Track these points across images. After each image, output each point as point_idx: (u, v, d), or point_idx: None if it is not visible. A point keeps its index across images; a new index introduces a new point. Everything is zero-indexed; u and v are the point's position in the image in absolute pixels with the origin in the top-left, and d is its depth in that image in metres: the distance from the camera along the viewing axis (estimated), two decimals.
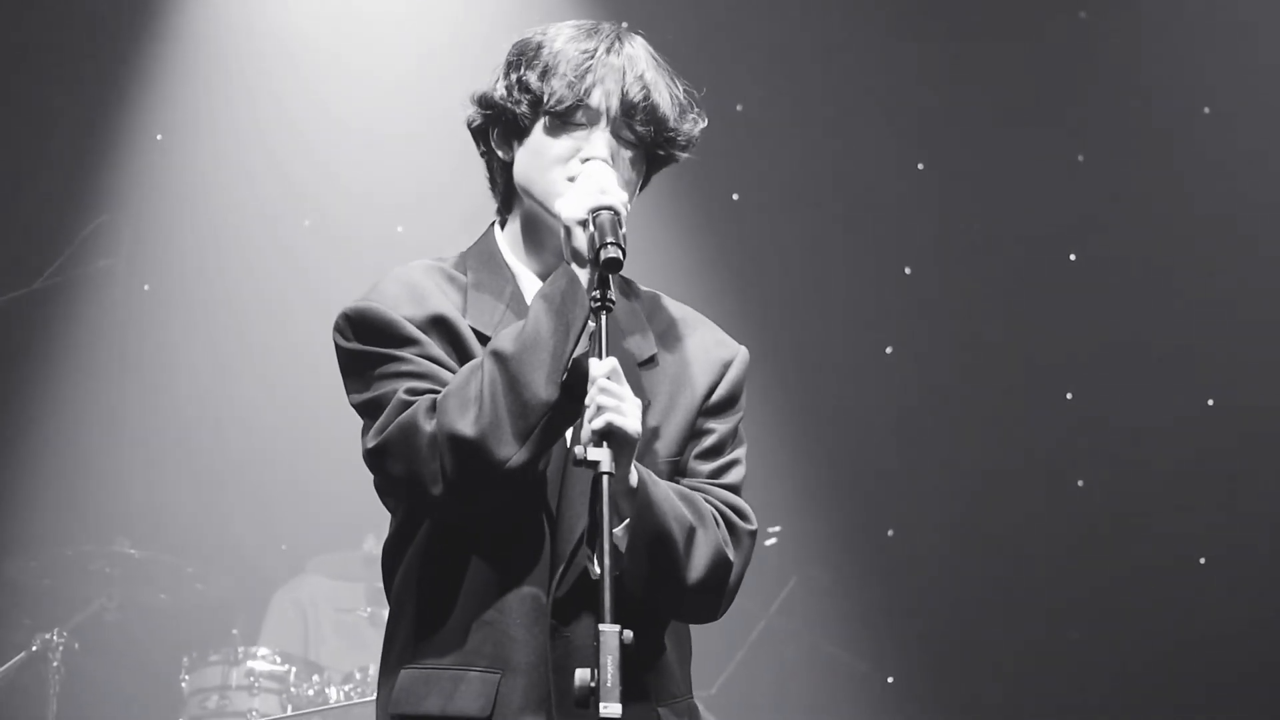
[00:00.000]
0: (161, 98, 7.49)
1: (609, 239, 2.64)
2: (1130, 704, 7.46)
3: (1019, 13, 7.79)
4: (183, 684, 6.53)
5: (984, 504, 7.64)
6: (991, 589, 7.59)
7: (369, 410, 2.76)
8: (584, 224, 2.70)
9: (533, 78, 2.85)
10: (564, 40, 2.87)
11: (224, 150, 7.55)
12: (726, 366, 2.95)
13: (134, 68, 7.45)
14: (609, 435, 2.56)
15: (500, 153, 2.92)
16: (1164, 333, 7.64)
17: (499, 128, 2.91)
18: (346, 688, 6.33)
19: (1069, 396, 7.75)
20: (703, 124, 2.94)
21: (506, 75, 2.89)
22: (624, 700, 2.42)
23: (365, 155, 7.60)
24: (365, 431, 2.76)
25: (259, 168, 7.56)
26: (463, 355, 2.78)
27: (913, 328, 7.80)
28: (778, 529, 6.93)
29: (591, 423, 2.57)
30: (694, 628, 2.94)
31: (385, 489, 2.82)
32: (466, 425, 2.63)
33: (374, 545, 6.77)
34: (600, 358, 2.61)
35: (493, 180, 2.97)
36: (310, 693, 6.40)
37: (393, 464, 2.70)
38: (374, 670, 6.31)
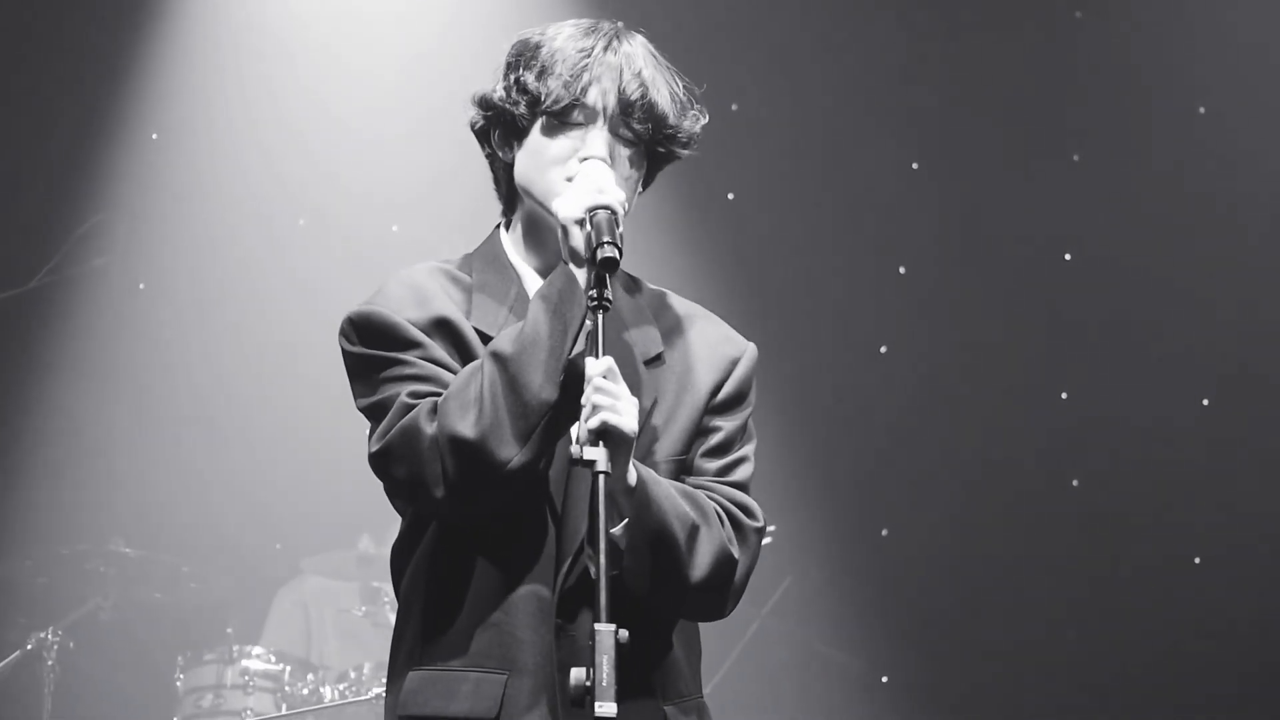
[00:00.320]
0: (157, 97, 7.48)
1: (605, 238, 2.64)
2: (1125, 703, 7.47)
3: (1015, 12, 7.80)
4: (177, 683, 6.53)
5: (979, 503, 7.65)
6: (986, 588, 7.60)
7: (374, 414, 2.77)
8: (581, 223, 2.70)
9: (530, 78, 2.85)
10: (562, 39, 2.87)
11: (219, 149, 7.54)
12: (734, 363, 2.94)
13: (129, 67, 7.44)
14: (605, 434, 2.56)
15: (501, 154, 2.92)
16: (1159, 332, 7.64)
17: (499, 129, 2.91)
18: (341, 686, 6.33)
19: (1064, 396, 7.76)
20: (703, 121, 2.94)
21: (505, 76, 2.89)
22: (627, 698, 2.42)
23: (360, 154, 7.60)
24: (371, 434, 2.77)
25: (254, 167, 7.56)
26: (467, 357, 2.78)
27: (907, 327, 7.81)
28: (773, 528, 6.92)
29: (587, 422, 2.57)
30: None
31: (391, 492, 2.82)
32: (467, 427, 2.63)
33: (369, 545, 6.77)
34: (597, 357, 2.62)
35: (496, 182, 2.97)
36: (305, 692, 6.40)
37: (396, 467, 2.70)
38: (369, 669, 6.32)
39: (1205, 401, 7.63)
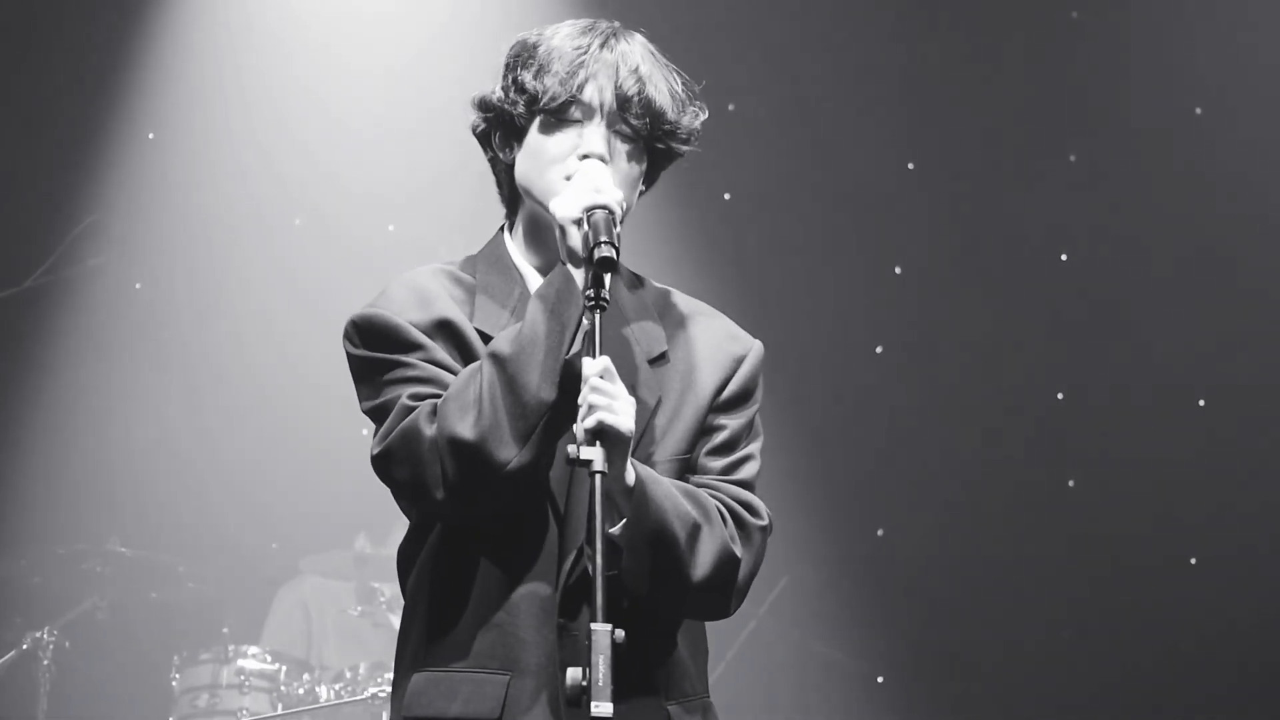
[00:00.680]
0: (153, 97, 7.48)
1: (603, 238, 2.64)
2: (1121, 704, 7.47)
3: (1011, 12, 7.80)
4: (173, 682, 6.53)
5: (974, 504, 7.65)
6: (982, 588, 7.60)
7: (377, 416, 2.77)
8: (578, 223, 2.70)
9: (528, 77, 2.85)
10: (560, 38, 2.87)
11: (215, 149, 7.54)
12: (739, 361, 2.93)
13: (126, 67, 7.45)
14: (601, 434, 2.56)
15: (502, 155, 2.92)
16: (1155, 333, 7.65)
17: (499, 131, 2.91)
18: (337, 686, 6.33)
19: (1060, 396, 7.76)
20: (703, 117, 2.93)
21: (504, 77, 2.90)
22: (630, 697, 2.42)
23: (357, 154, 7.60)
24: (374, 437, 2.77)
25: (250, 166, 7.56)
26: (469, 359, 2.77)
27: (903, 327, 7.81)
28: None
29: (583, 422, 2.57)
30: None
31: (395, 494, 2.83)
32: (466, 429, 2.63)
33: (366, 544, 6.77)
34: (594, 356, 2.62)
35: (499, 184, 2.97)
36: (300, 691, 6.40)
37: (397, 469, 2.70)
38: (365, 669, 6.32)
39: (1201, 402, 7.64)
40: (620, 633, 2.43)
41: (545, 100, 2.82)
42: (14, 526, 7.16)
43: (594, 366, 2.61)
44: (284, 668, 6.47)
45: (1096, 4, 7.78)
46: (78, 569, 6.75)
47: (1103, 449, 7.66)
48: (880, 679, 7.69)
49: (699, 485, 2.81)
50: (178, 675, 6.52)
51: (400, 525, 2.92)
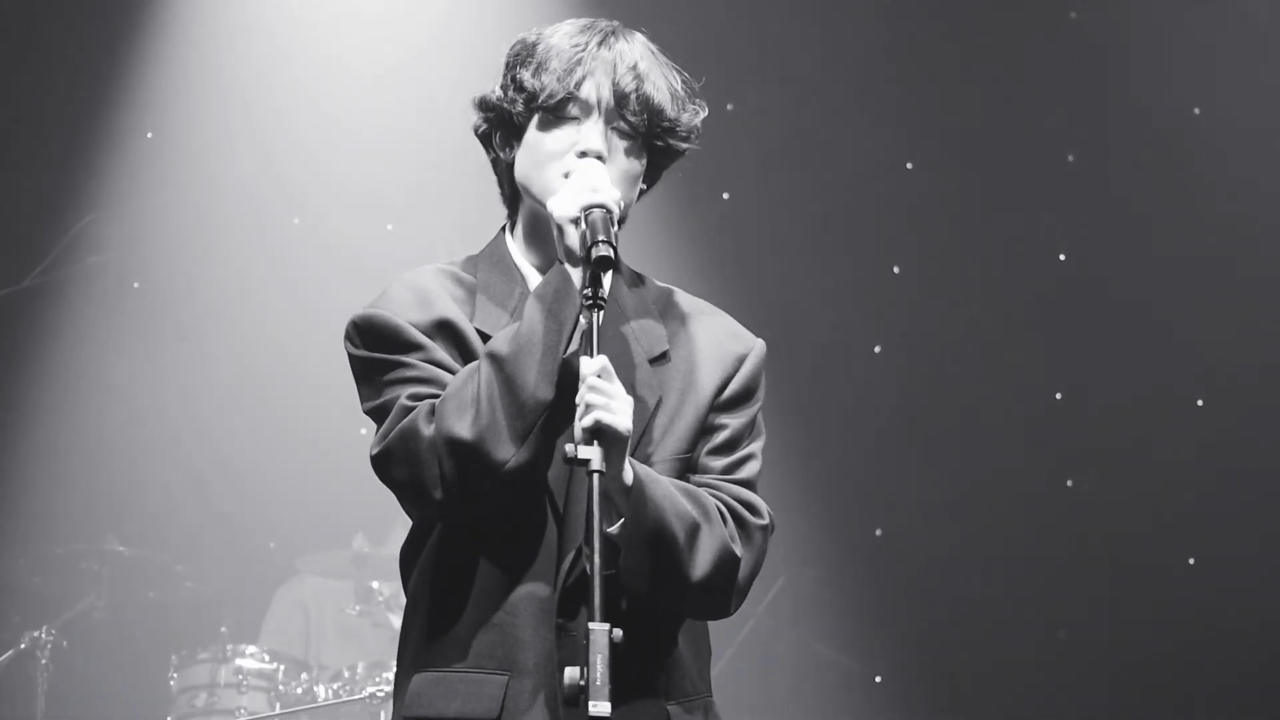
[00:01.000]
0: (152, 96, 7.48)
1: (600, 237, 2.64)
2: (1119, 703, 7.47)
3: (1010, 12, 7.80)
4: (171, 682, 6.52)
5: (973, 503, 7.65)
6: (980, 588, 7.60)
7: (377, 416, 2.78)
8: (576, 222, 2.70)
9: (526, 75, 2.85)
10: (558, 37, 2.87)
11: (214, 148, 7.54)
12: (740, 360, 2.93)
13: (125, 65, 7.45)
14: (598, 433, 2.56)
15: (503, 155, 2.92)
16: (1154, 333, 7.65)
17: (500, 130, 2.91)
18: (335, 686, 6.33)
19: (1058, 396, 7.76)
20: (704, 115, 2.93)
21: (504, 76, 2.90)
22: (630, 696, 2.42)
23: (355, 153, 7.60)
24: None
25: (249, 166, 7.56)
26: (469, 359, 2.77)
27: (901, 327, 7.81)
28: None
29: (581, 421, 2.57)
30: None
31: (395, 494, 2.82)
32: (464, 428, 2.63)
33: (363, 544, 6.77)
34: (592, 355, 2.62)
35: (500, 184, 2.97)
36: (299, 691, 6.40)
37: (396, 469, 2.70)
38: (363, 669, 6.31)
39: (1200, 402, 7.64)
40: (618, 632, 2.43)
41: (543, 97, 2.83)
42: (12, 526, 7.16)
43: (592, 365, 2.61)
44: (282, 667, 6.47)
45: (1095, 3, 7.78)
46: (75, 568, 6.75)
47: (1101, 449, 7.66)
48: (878, 678, 7.69)
49: (700, 485, 2.81)
50: (176, 674, 6.52)
51: (399, 525, 2.93)
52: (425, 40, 7.54)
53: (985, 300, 7.77)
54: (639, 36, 2.93)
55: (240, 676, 6.41)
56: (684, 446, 2.84)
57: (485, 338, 2.79)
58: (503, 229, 2.98)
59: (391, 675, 5.90)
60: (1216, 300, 7.59)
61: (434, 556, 2.80)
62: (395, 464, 2.70)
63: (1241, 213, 7.60)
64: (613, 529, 2.66)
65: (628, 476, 2.66)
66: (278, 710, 6.31)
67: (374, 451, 2.73)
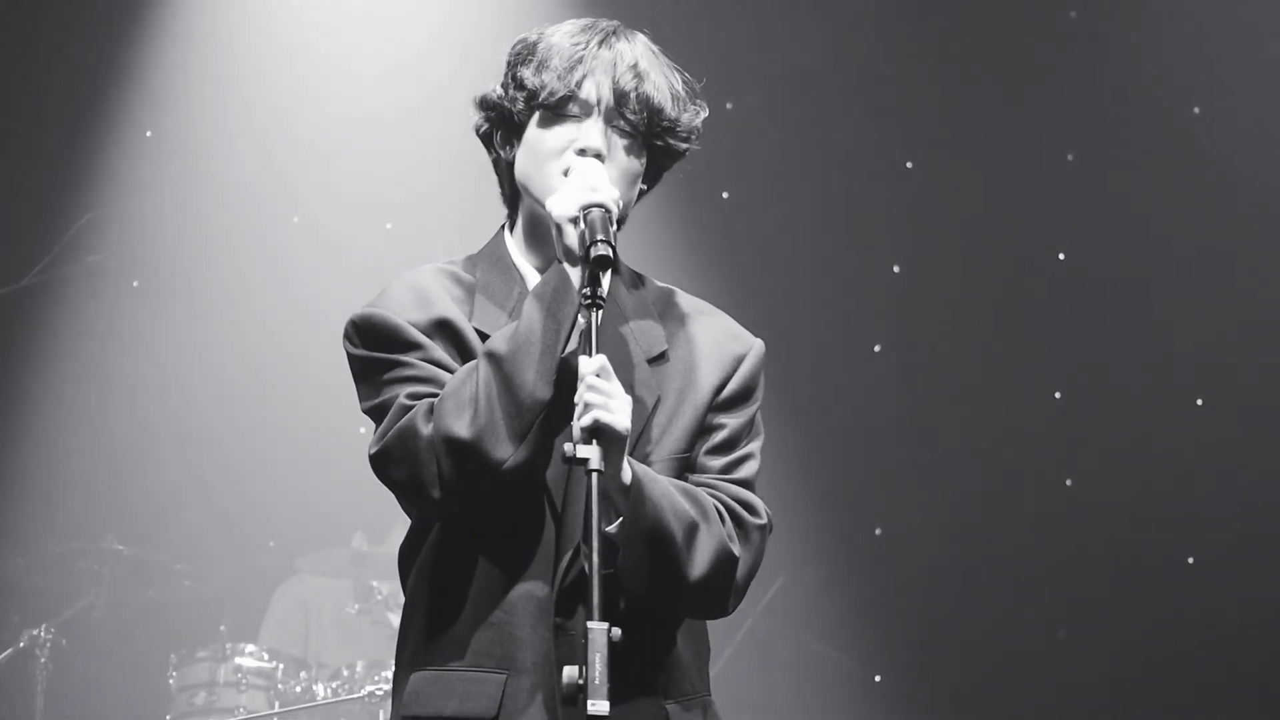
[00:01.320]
0: (151, 94, 7.48)
1: (599, 236, 2.64)
2: (1117, 703, 7.48)
3: (1009, 12, 7.80)
4: (170, 681, 6.52)
5: (972, 503, 7.65)
6: (979, 588, 7.60)
7: (375, 415, 2.78)
8: (575, 221, 2.70)
9: (527, 73, 2.86)
10: (559, 36, 2.88)
11: (213, 147, 7.54)
12: (739, 360, 2.93)
13: (123, 64, 7.44)
14: (597, 432, 2.56)
15: (503, 154, 2.92)
16: (1153, 332, 7.65)
17: (501, 129, 2.91)
18: (334, 684, 6.33)
19: (1057, 395, 7.76)
20: (704, 115, 2.94)
21: (505, 74, 2.91)
22: (628, 695, 2.43)
23: (355, 152, 7.60)
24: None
25: (249, 164, 7.56)
26: (468, 358, 2.77)
27: (901, 326, 7.81)
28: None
29: (580, 420, 2.57)
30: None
31: (394, 493, 2.83)
32: (462, 427, 2.63)
33: (362, 542, 6.77)
34: (591, 354, 2.62)
35: (500, 183, 2.97)
36: (298, 690, 6.40)
37: (394, 468, 2.71)
38: (362, 667, 6.32)
39: (1199, 401, 7.64)
40: (617, 631, 2.44)
41: (543, 96, 2.83)
42: (11, 524, 7.16)
43: (590, 365, 2.61)
44: (281, 666, 6.47)
45: (1095, 3, 7.78)
46: (75, 567, 6.75)
47: (1101, 448, 7.67)
48: (878, 678, 7.69)
49: (698, 484, 2.81)
50: (175, 673, 6.52)
51: (399, 524, 2.93)
52: (425, 39, 7.54)
53: (985, 300, 7.77)
54: (640, 36, 2.93)
55: (239, 675, 6.41)
56: (682, 446, 2.84)
57: (484, 337, 2.79)
58: (502, 228, 2.98)
59: (390, 674, 5.90)
60: (1216, 300, 7.59)
61: (432, 555, 2.80)
62: (393, 463, 2.70)
63: (1241, 212, 7.61)
64: (611, 528, 2.66)
65: (626, 476, 2.66)
66: (277, 709, 6.31)
67: (372, 450, 2.73)
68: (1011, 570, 7.60)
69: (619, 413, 2.59)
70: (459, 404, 2.65)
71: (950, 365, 7.74)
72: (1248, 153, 7.58)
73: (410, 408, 2.70)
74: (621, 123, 2.84)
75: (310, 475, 7.32)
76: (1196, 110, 7.67)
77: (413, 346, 2.77)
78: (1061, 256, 7.78)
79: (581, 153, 2.81)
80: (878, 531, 7.78)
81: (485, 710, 2.70)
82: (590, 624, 2.43)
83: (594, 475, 2.52)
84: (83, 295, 7.28)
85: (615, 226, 2.70)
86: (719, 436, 2.88)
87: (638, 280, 2.98)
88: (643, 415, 2.79)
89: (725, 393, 2.90)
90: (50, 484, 7.31)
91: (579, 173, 2.77)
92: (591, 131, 2.82)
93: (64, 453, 7.34)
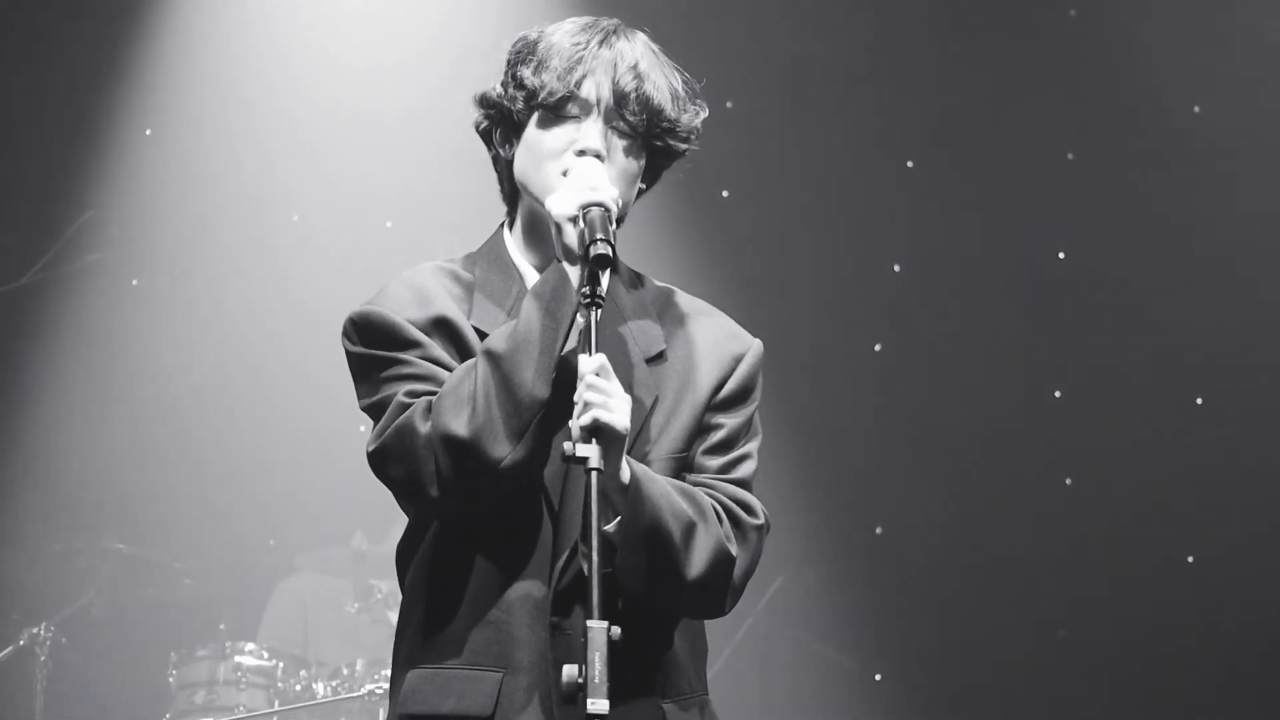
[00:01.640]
0: (151, 93, 7.48)
1: (598, 235, 2.64)
2: (1118, 702, 7.47)
3: (1009, 10, 7.80)
4: (170, 679, 6.52)
5: (972, 502, 7.65)
6: (979, 587, 7.60)
7: (374, 413, 2.78)
8: (574, 220, 2.70)
9: (527, 73, 2.85)
10: (559, 35, 2.88)
11: (213, 145, 7.54)
12: (737, 360, 2.93)
13: (123, 62, 7.44)
14: (596, 431, 2.56)
15: (503, 152, 2.92)
16: (1153, 331, 7.65)
17: (500, 128, 2.92)
18: (334, 683, 6.33)
19: (1057, 395, 7.76)
20: (704, 115, 2.93)
21: (505, 73, 2.91)
22: (625, 695, 2.43)
23: (355, 151, 7.60)
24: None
25: (248, 163, 7.56)
26: (466, 356, 2.77)
27: (901, 325, 7.81)
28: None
29: (579, 419, 2.57)
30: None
31: (392, 491, 2.83)
32: (460, 426, 2.63)
33: (362, 541, 6.77)
34: (590, 353, 2.61)
35: (500, 182, 2.97)
36: (297, 688, 6.40)
37: (392, 466, 2.71)
38: (362, 666, 6.32)
39: (1199, 400, 7.64)
40: (617, 630, 2.44)
41: (543, 95, 2.83)
42: (11, 523, 7.16)
43: (590, 364, 2.61)
44: (281, 664, 6.47)
45: (1095, 2, 7.78)
46: (74, 565, 6.75)
47: (1100, 447, 7.66)
48: (878, 677, 7.69)
49: (696, 484, 2.81)
50: (174, 672, 6.51)
51: (398, 523, 2.93)
52: (425, 39, 7.54)
53: (985, 298, 7.77)
54: (640, 36, 2.93)
55: (239, 673, 6.40)
56: (680, 446, 2.84)
57: (482, 335, 2.79)
58: (501, 226, 2.98)
59: (389, 672, 5.90)
60: (1216, 299, 7.59)
61: (430, 553, 2.81)
62: (391, 461, 2.70)
63: (1242, 211, 7.60)
64: (609, 527, 2.66)
65: (624, 475, 2.66)
66: (276, 707, 6.31)
67: (370, 448, 2.73)
68: (1011, 569, 7.60)
69: (618, 412, 2.59)
70: (457, 402, 2.65)
71: (950, 364, 7.74)
72: (1248, 152, 7.58)
73: (408, 406, 2.70)
74: (621, 123, 2.84)
75: (310, 474, 7.31)
76: (1197, 109, 7.66)
77: (411, 345, 2.77)
78: (1061, 256, 7.78)
79: (581, 154, 2.81)
80: (878, 531, 7.78)
81: (481, 709, 2.70)
82: (590, 622, 2.43)
83: (593, 474, 2.52)
84: (82, 294, 7.28)
85: (614, 226, 2.70)
86: (717, 436, 2.88)
87: (637, 280, 2.98)
88: (641, 415, 2.79)
89: (723, 393, 2.90)
90: (50, 482, 7.31)
91: (578, 172, 2.76)
92: (591, 132, 2.82)
93: (64, 451, 7.34)
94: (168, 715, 6.47)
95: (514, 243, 2.93)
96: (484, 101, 2.92)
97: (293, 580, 7.22)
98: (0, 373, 7.31)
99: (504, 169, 2.94)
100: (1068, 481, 7.71)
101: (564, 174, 2.79)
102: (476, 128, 2.95)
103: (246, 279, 7.57)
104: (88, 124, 7.41)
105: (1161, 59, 7.65)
